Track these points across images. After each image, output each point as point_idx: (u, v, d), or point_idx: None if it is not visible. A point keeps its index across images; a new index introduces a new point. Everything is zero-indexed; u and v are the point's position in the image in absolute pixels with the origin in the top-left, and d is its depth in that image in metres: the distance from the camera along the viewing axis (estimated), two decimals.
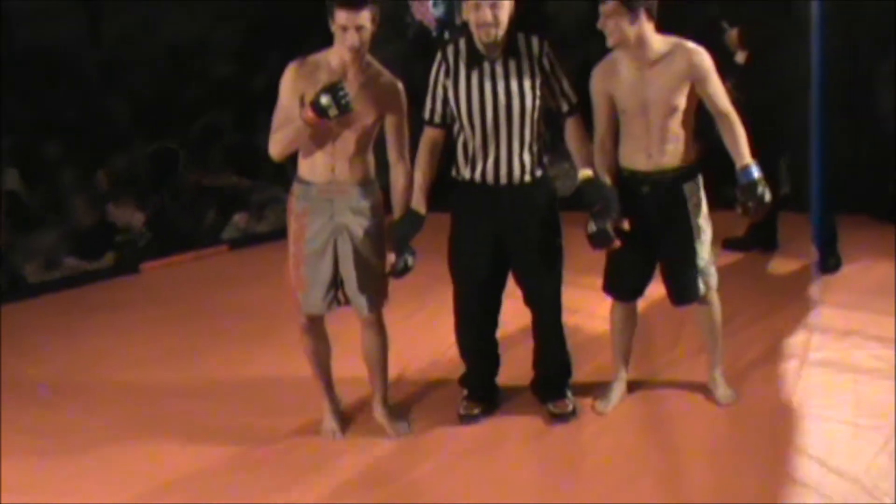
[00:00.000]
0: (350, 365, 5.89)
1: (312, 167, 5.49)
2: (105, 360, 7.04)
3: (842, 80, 7.97)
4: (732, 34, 7.61)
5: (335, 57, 5.36)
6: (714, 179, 5.62)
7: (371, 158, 5.55)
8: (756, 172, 5.28)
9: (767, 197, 5.29)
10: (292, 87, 5.39)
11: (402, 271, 5.39)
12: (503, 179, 5.34)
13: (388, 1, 5.23)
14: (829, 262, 7.48)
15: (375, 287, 5.58)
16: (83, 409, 6.35)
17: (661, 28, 5.35)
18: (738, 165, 5.32)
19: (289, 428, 5.90)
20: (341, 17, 5.22)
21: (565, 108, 5.42)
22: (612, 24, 5.23)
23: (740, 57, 7.56)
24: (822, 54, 7.11)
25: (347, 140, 5.41)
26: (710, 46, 5.44)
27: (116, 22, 11.74)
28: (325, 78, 5.30)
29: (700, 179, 5.47)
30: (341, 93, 5.16)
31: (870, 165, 8.69)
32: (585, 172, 5.35)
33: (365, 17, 5.23)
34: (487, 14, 5.16)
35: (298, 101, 5.32)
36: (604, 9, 5.23)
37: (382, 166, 5.57)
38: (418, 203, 5.42)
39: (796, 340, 6.46)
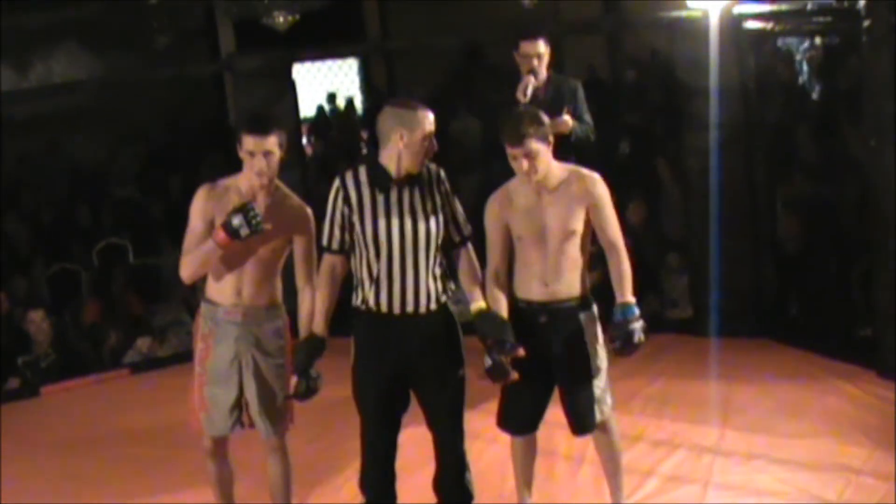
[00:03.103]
0: (254, 492, 5.82)
1: (220, 289, 5.48)
2: (2, 486, 6.87)
3: (743, 206, 8.13)
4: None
5: (244, 182, 5.38)
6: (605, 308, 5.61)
7: (278, 283, 5.56)
8: (633, 312, 5.29)
9: (639, 337, 5.28)
10: (202, 209, 5.40)
11: (304, 394, 5.34)
12: (409, 306, 5.30)
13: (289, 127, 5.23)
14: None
15: (279, 411, 5.54)
16: None
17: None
18: (617, 301, 5.33)
19: None
20: (248, 142, 5.27)
21: (457, 238, 5.40)
22: (541, 163, 5.26)
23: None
24: (719, 182, 7.22)
25: (255, 263, 5.42)
26: None
27: (18, 144, 11.70)
28: (235, 201, 5.32)
29: (595, 308, 5.47)
30: (252, 213, 5.18)
31: (770, 289, 8.81)
32: (478, 304, 5.34)
33: (272, 142, 5.28)
34: (434, 144, 5.18)
35: (208, 223, 5.32)
36: (521, 150, 5.22)
37: (290, 291, 5.56)
38: (318, 327, 5.39)
39: (699, 465, 6.46)
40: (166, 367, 9.03)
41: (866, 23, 7.39)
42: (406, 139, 5.15)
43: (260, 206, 5.32)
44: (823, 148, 9.25)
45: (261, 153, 5.26)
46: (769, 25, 8.71)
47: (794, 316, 8.80)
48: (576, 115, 7.14)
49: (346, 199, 5.30)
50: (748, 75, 8.45)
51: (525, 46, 7.15)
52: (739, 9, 8.25)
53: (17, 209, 11.44)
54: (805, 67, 9.85)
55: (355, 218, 5.29)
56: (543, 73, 7.16)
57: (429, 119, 5.18)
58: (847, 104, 8.86)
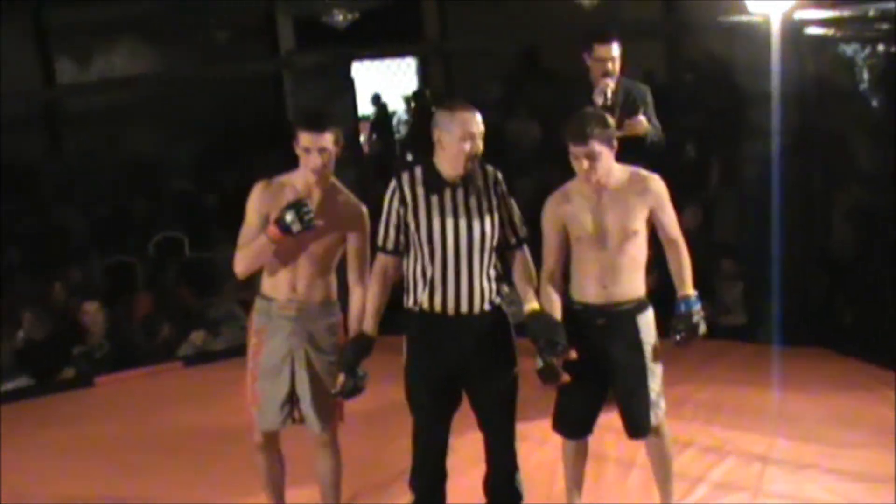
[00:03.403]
0: (304, 489, 5.85)
1: (275, 284, 5.52)
2: (54, 478, 6.94)
3: (799, 213, 8.10)
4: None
5: (300, 178, 5.41)
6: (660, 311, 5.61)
7: (333, 279, 5.58)
8: (695, 304, 5.34)
9: (702, 328, 5.34)
10: (258, 205, 5.45)
11: (350, 392, 5.37)
12: (463, 308, 5.31)
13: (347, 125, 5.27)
14: None
15: (330, 407, 5.57)
16: None
17: None
18: (679, 293, 5.38)
19: None
20: (304, 138, 5.30)
21: (513, 240, 5.41)
22: (601, 167, 5.28)
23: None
24: (776, 189, 7.17)
25: (310, 259, 5.45)
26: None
27: (77, 137, 11.83)
28: (290, 198, 5.36)
29: (651, 312, 5.48)
30: (304, 209, 5.21)
31: (824, 297, 8.76)
32: (532, 306, 5.34)
33: (328, 139, 5.32)
34: (478, 145, 5.18)
35: (263, 219, 5.37)
36: (584, 150, 5.24)
37: (346, 288, 5.59)
38: (368, 326, 5.42)
39: (749, 473, 6.44)
40: (219, 361, 9.05)
41: None
42: (444, 140, 5.19)
43: (314, 202, 5.36)
44: (881, 157, 9.19)
45: (316, 150, 5.30)
46: (830, 31, 8.66)
47: (847, 325, 8.74)
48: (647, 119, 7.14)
49: (402, 200, 5.32)
50: (808, 82, 8.40)
51: (600, 50, 7.12)
52: (800, 14, 8.19)
53: (76, 201, 11.56)
54: (866, 75, 9.78)
55: (410, 218, 5.30)
56: (616, 76, 7.16)
57: (468, 120, 5.17)
58: None
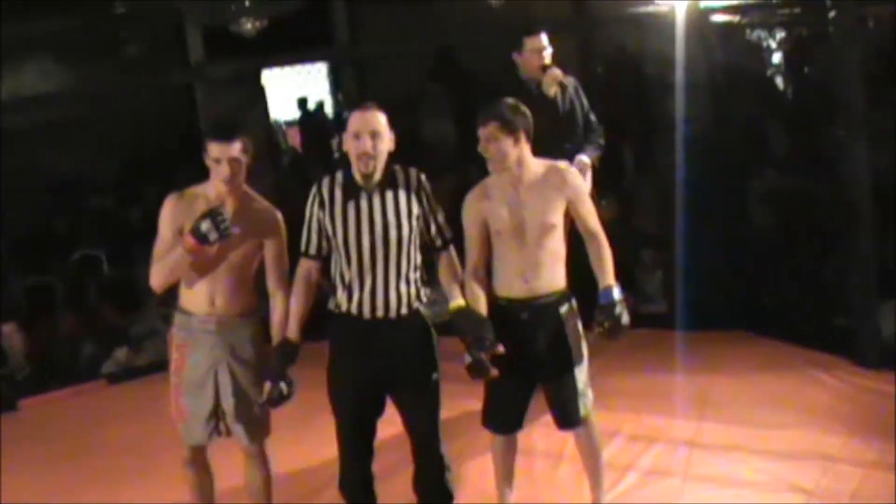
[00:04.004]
0: (234, 501, 5.86)
1: (193, 298, 5.50)
2: None
3: (715, 200, 8.16)
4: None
5: (212, 189, 5.40)
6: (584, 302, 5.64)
7: (252, 289, 5.56)
8: (617, 294, 5.37)
9: (625, 319, 5.38)
10: (171, 218, 5.43)
11: (277, 400, 5.34)
12: (380, 311, 5.31)
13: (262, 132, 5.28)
14: None
15: (256, 418, 5.56)
16: None
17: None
18: (600, 285, 5.42)
19: None
20: (214, 149, 5.29)
21: (439, 242, 5.43)
22: (495, 148, 5.31)
23: None
24: (690, 177, 7.23)
25: (227, 270, 5.43)
26: None
27: None
28: (203, 209, 5.33)
29: (574, 302, 5.51)
30: (220, 218, 5.19)
31: (745, 281, 8.84)
32: (457, 302, 5.36)
33: (237, 148, 5.30)
34: (367, 144, 5.19)
35: (176, 232, 5.34)
36: (484, 133, 5.31)
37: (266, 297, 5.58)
38: (292, 332, 5.40)
39: (677, 458, 6.50)
40: (143, 377, 8.99)
41: (832, 14, 7.42)
42: (346, 142, 5.23)
43: (228, 211, 5.33)
44: (795, 141, 9.30)
45: (226, 159, 5.29)
46: (736, 18, 8.75)
47: (769, 307, 8.83)
48: (584, 112, 7.15)
49: (321, 204, 5.33)
50: (717, 69, 8.48)
51: (532, 42, 7.12)
52: (706, 3, 8.27)
53: None
54: (773, 60, 9.89)
55: (328, 222, 5.30)
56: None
57: (362, 118, 5.21)
58: (816, 96, 8.91)
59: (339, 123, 5.47)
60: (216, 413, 5.54)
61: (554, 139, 6.88)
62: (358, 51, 12.59)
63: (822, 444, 6.43)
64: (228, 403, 5.51)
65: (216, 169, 5.32)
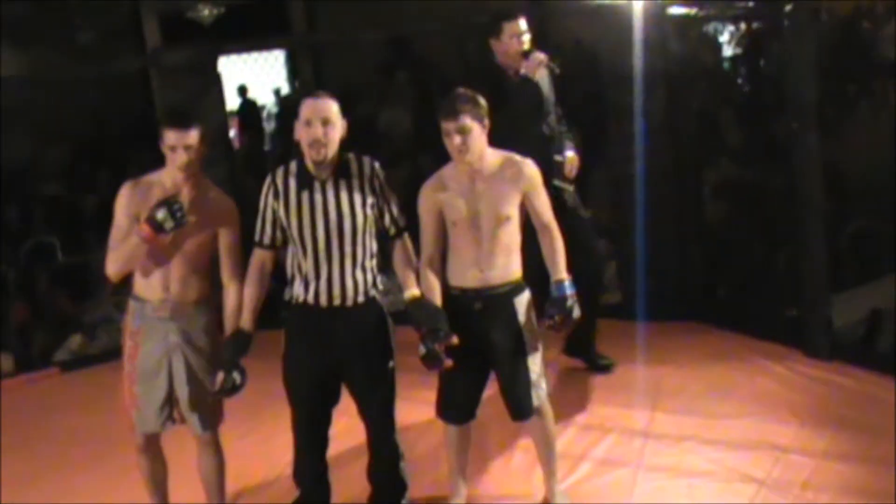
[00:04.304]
0: (188, 489, 5.83)
1: (147, 285, 5.48)
2: None
3: (670, 192, 8.20)
4: (573, 159, 7.35)
5: (168, 177, 5.39)
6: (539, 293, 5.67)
7: (207, 278, 5.55)
8: (569, 288, 5.42)
9: (576, 312, 5.43)
10: (126, 206, 5.41)
11: (230, 390, 5.34)
12: (336, 300, 5.32)
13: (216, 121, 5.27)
14: (601, 363, 7.59)
15: (210, 406, 5.55)
16: None
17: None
18: (552, 278, 5.46)
19: None
20: (170, 137, 5.28)
21: (393, 230, 5.44)
22: (466, 140, 5.30)
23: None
24: (645, 168, 7.26)
25: (182, 258, 5.42)
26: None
27: None
28: (159, 197, 5.32)
29: (528, 293, 5.53)
30: (176, 206, 5.18)
31: (698, 272, 8.90)
32: (412, 293, 5.37)
33: (193, 136, 5.29)
34: (318, 131, 5.19)
35: (132, 220, 5.33)
36: (453, 125, 5.28)
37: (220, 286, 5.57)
38: (246, 322, 5.40)
39: (631, 448, 6.52)
40: (97, 365, 8.94)
41: (788, 7, 7.47)
42: (298, 130, 5.24)
43: (185, 200, 5.32)
44: (748, 133, 9.36)
45: (182, 147, 5.28)
46: (693, 11, 8.79)
47: (722, 299, 8.89)
48: (559, 96, 7.15)
49: (276, 194, 5.33)
50: (672, 61, 8.51)
51: (511, 27, 7.04)
52: None
53: None
54: (729, 53, 9.95)
55: (282, 213, 5.30)
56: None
57: (311, 105, 5.22)
58: (771, 89, 8.97)
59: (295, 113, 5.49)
60: (170, 401, 5.53)
61: (534, 124, 6.92)
62: (315, 38, 12.57)
63: (774, 434, 6.47)
64: (182, 391, 5.50)
65: (172, 157, 5.31)
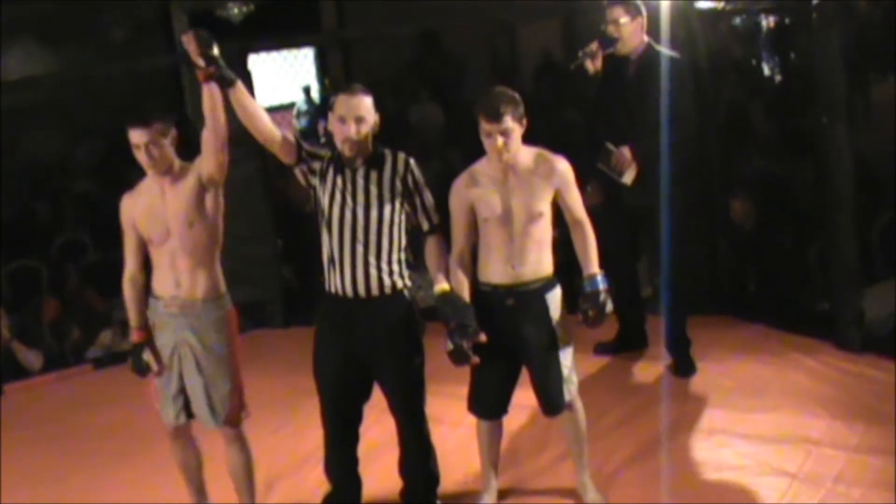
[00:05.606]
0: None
1: (159, 283, 5.60)
2: None
3: (698, 185, 8.18)
4: (623, 153, 7.38)
5: (148, 178, 5.55)
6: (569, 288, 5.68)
7: (217, 271, 5.61)
8: (601, 283, 5.43)
9: (609, 307, 5.46)
10: (127, 217, 5.63)
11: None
12: (361, 291, 5.35)
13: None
14: (682, 367, 7.51)
15: (225, 402, 5.58)
16: None
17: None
18: (585, 273, 5.47)
19: None
20: (132, 136, 5.41)
21: (426, 226, 5.48)
22: (513, 142, 5.33)
23: (628, 177, 7.40)
24: (672, 162, 7.24)
25: (186, 252, 5.50)
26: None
27: None
28: (145, 198, 5.50)
29: (559, 289, 5.54)
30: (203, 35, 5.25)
31: (728, 266, 8.87)
32: (441, 287, 5.39)
33: (154, 131, 5.40)
34: (352, 129, 5.23)
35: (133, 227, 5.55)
36: (497, 127, 5.29)
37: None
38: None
39: (661, 442, 6.51)
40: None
41: (815, 0, 7.45)
42: (332, 124, 5.31)
43: (167, 195, 5.47)
44: (777, 126, 9.33)
45: (143, 145, 5.38)
46: (721, 5, 8.77)
47: (752, 292, 8.86)
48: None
49: (317, 175, 5.36)
50: (701, 54, 8.49)
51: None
52: None
53: None
54: (757, 46, 9.93)
55: (320, 192, 5.36)
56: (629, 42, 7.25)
57: (346, 102, 5.28)
58: (799, 82, 8.94)
59: (325, 108, 5.51)
60: (183, 395, 5.62)
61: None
62: (344, 35, 12.58)
63: (805, 428, 6.46)
64: (191, 387, 5.58)
65: (138, 155, 5.44)
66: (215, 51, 5.19)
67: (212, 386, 5.53)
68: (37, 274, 10.20)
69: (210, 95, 5.27)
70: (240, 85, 5.27)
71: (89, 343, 9.48)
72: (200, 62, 5.19)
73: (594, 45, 7.19)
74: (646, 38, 7.31)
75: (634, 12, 7.24)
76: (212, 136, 5.31)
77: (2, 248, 10.62)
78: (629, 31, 7.22)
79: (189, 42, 5.17)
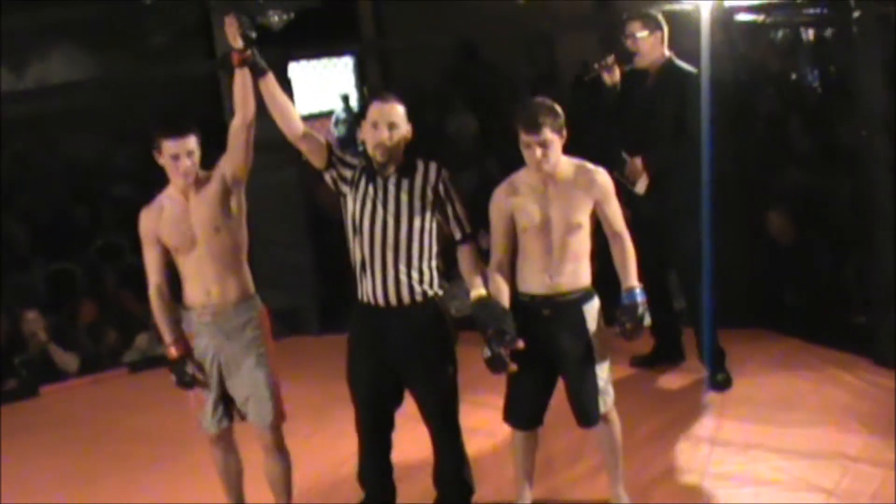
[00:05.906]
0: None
1: (190, 294, 5.63)
2: (4, 489, 6.89)
3: (737, 198, 8.16)
4: (635, 163, 7.45)
5: (174, 188, 5.59)
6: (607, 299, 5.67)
7: (245, 273, 5.64)
8: (640, 296, 5.42)
9: (647, 321, 5.46)
10: (147, 231, 5.68)
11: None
12: (392, 299, 5.37)
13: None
14: (718, 379, 7.47)
15: (264, 402, 5.61)
16: None
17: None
18: (623, 286, 5.46)
19: None
20: (170, 146, 5.45)
21: (458, 235, 5.48)
22: (548, 153, 5.34)
23: (641, 186, 7.45)
24: (711, 174, 7.22)
25: (211, 256, 5.53)
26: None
27: (16, 144, 11.72)
28: (168, 209, 5.54)
29: (597, 301, 5.54)
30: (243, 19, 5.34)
31: (765, 279, 8.83)
32: (478, 292, 5.39)
33: (192, 141, 5.46)
34: (384, 135, 5.26)
35: (154, 242, 5.62)
36: (537, 139, 5.31)
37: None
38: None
39: (697, 455, 6.51)
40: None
41: (856, 13, 7.42)
42: (364, 131, 5.34)
43: (192, 201, 5.49)
44: (817, 139, 9.28)
45: (184, 154, 5.43)
46: (760, 17, 8.74)
47: (789, 306, 8.82)
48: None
49: (348, 182, 5.38)
50: (740, 68, 8.47)
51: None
52: (730, 2, 8.25)
53: (15, 209, 11.46)
54: (797, 59, 9.88)
55: (349, 199, 5.38)
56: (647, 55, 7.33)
57: (379, 109, 5.32)
58: (839, 95, 8.89)
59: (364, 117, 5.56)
60: (223, 401, 5.66)
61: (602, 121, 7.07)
62: (383, 43, 12.61)
63: (842, 444, 6.42)
64: (233, 391, 5.62)
65: (174, 165, 5.47)
66: (254, 35, 5.23)
67: (254, 386, 5.56)
68: (74, 277, 10.26)
69: (243, 83, 5.36)
70: (271, 76, 5.33)
71: (125, 346, 9.54)
72: (239, 43, 5.26)
73: (611, 59, 7.24)
74: (667, 53, 7.35)
75: (654, 27, 7.31)
76: (241, 125, 5.39)
77: (40, 250, 10.69)
78: (648, 46, 7.32)
79: (230, 24, 5.24)
